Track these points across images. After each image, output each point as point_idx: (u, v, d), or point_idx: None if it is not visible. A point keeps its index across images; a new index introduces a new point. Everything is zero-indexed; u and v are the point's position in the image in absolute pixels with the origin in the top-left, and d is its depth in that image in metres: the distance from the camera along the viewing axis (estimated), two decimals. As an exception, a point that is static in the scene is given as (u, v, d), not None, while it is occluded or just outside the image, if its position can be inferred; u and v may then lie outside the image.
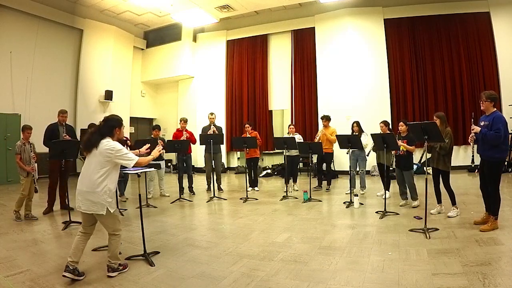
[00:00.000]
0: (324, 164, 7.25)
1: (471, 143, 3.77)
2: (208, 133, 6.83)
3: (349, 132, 6.47)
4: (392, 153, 5.22)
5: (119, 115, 3.13)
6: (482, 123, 3.71)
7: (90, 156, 2.79)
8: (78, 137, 9.22)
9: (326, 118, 6.89)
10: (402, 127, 5.20)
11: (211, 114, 7.23)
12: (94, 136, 2.82)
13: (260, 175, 9.38)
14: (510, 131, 8.02)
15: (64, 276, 2.59)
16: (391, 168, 5.57)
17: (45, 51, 9.30)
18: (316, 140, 6.72)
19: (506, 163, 8.05)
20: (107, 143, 2.77)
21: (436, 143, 4.15)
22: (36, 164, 4.84)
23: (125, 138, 6.51)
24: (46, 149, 5.21)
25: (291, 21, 10.53)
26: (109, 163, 2.75)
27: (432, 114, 5.69)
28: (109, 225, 2.82)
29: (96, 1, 9.63)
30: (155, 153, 3.19)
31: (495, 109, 3.70)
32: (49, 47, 9.39)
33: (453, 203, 4.32)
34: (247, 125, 7.10)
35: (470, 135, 3.77)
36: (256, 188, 7.14)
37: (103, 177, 2.72)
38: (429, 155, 4.41)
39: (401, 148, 4.86)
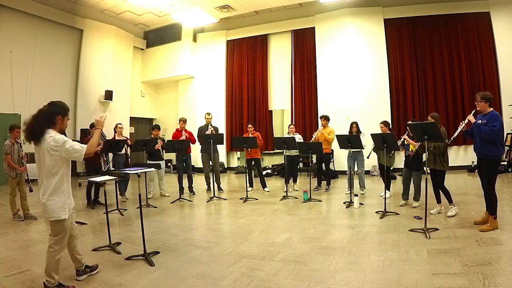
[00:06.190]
0: (323, 164, 7.24)
1: (459, 127, 3.84)
2: (206, 133, 6.83)
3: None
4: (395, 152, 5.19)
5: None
6: (479, 121, 3.74)
7: (39, 153, 2.48)
8: (78, 137, 9.37)
9: (325, 118, 6.91)
10: None
11: (208, 114, 7.22)
12: (37, 121, 2.48)
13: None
14: (510, 131, 8.18)
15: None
16: (391, 168, 5.54)
17: (45, 51, 9.29)
18: (312, 140, 6.71)
19: (506, 163, 8.05)
20: (50, 138, 2.43)
21: (430, 143, 4.16)
22: (26, 164, 4.84)
23: (125, 138, 6.52)
24: (33, 149, 5.21)
25: (291, 21, 10.52)
26: (58, 161, 2.46)
27: (432, 114, 5.68)
28: (52, 233, 2.52)
29: (96, 1, 9.62)
30: (98, 132, 2.72)
31: (492, 108, 3.74)
32: (49, 47, 9.38)
33: (450, 201, 4.34)
34: (250, 126, 7.08)
35: (463, 121, 3.84)
36: (266, 189, 7.00)
37: (52, 176, 2.46)
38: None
39: (410, 148, 4.86)
